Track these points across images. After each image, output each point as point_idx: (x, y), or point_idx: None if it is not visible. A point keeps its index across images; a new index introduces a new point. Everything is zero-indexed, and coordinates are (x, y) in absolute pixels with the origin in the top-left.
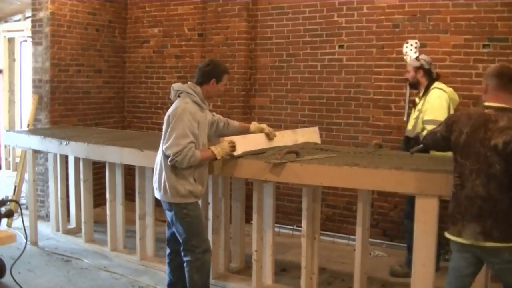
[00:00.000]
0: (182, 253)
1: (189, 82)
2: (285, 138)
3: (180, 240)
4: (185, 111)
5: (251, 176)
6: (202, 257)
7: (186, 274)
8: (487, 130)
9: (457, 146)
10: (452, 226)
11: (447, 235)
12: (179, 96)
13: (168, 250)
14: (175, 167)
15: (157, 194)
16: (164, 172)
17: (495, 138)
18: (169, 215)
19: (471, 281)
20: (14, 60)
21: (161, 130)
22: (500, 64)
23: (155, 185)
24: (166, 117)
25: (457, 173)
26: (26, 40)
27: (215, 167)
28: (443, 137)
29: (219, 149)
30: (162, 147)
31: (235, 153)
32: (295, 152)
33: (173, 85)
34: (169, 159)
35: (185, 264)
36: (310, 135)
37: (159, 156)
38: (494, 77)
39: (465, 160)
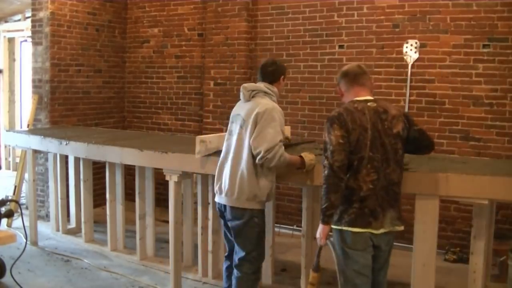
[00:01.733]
0: (238, 263)
1: (261, 83)
2: None
3: (240, 250)
4: (275, 109)
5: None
6: (258, 271)
7: (237, 285)
8: (383, 121)
9: (361, 143)
10: (374, 220)
11: (367, 230)
12: (253, 97)
13: (227, 263)
14: (257, 170)
15: (226, 200)
16: (243, 174)
17: (395, 126)
18: (235, 224)
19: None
20: (14, 60)
21: (161, 130)
22: (345, 66)
23: (224, 189)
24: (253, 115)
25: (371, 168)
26: (26, 40)
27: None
28: (346, 145)
29: (308, 160)
30: (246, 145)
31: None
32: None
33: (244, 85)
34: (259, 156)
35: (238, 275)
36: None
37: (236, 157)
38: (346, 78)
39: (376, 154)
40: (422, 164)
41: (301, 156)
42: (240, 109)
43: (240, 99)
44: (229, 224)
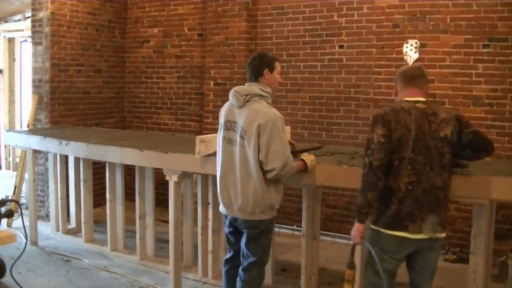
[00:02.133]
0: (246, 266)
1: (251, 84)
2: None
3: (251, 256)
4: (277, 117)
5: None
6: (264, 274)
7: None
8: (430, 123)
9: (403, 143)
10: (411, 224)
11: (402, 234)
12: (247, 101)
13: (227, 267)
14: (269, 183)
15: (240, 214)
16: (256, 189)
17: (442, 129)
18: (251, 232)
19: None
20: (14, 60)
21: (161, 130)
22: (405, 66)
23: (236, 203)
24: (255, 126)
25: (411, 170)
26: (26, 40)
27: None
28: (386, 145)
29: (309, 162)
30: (252, 159)
31: None
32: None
33: (236, 89)
34: (273, 174)
35: (245, 278)
36: None
37: (244, 171)
38: (404, 77)
39: (418, 156)
40: None
41: (302, 160)
42: (235, 116)
43: (230, 103)
44: (244, 231)
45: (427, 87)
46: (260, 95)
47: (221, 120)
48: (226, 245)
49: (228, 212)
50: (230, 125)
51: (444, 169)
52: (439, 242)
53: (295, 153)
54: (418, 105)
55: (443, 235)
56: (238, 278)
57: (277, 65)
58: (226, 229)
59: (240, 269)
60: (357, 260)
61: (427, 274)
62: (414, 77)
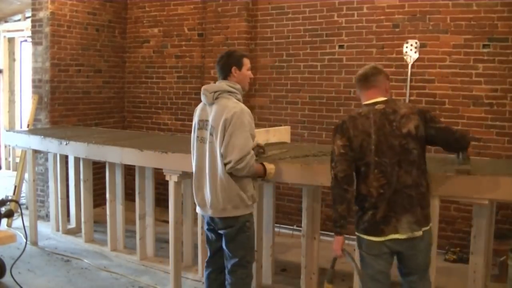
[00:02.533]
0: (231, 269)
1: (220, 81)
2: (258, 136)
3: (233, 257)
4: (243, 112)
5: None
6: (251, 273)
7: None
8: (391, 122)
9: (365, 149)
10: (386, 227)
11: (378, 239)
12: (216, 98)
13: (209, 270)
14: (234, 176)
15: (213, 213)
16: (223, 183)
17: (404, 125)
18: (228, 231)
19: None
20: (14, 60)
21: (161, 130)
22: (360, 69)
23: (208, 202)
24: (221, 121)
25: (379, 173)
26: (26, 40)
27: None
28: (349, 154)
29: (269, 169)
30: (218, 154)
31: None
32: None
33: (205, 87)
34: (229, 166)
35: (232, 281)
36: (281, 134)
37: (212, 167)
38: (358, 81)
39: (383, 158)
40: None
41: (263, 164)
42: (206, 114)
43: (203, 103)
44: (221, 232)
45: (385, 83)
46: (229, 92)
47: (195, 120)
48: (206, 246)
49: (203, 212)
50: (202, 124)
51: (413, 166)
52: (423, 240)
53: (263, 156)
54: (376, 106)
55: (420, 233)
56: (226, 282)
57: (246, 61)
58: (207, 232)
59: (226, 272)
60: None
61: (417, 275)
62: (367, 77)
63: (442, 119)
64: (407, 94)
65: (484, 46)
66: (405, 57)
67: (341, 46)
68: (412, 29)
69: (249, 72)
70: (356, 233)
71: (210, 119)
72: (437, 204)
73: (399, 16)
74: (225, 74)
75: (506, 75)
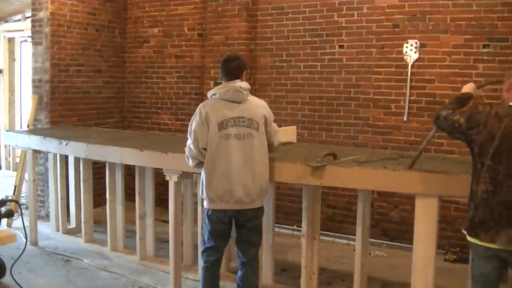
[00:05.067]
0: (254, 257)
1: (239, 81)
2: None
3: (256, 245)
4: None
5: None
6: None
7: (252, 280)
8: None
9: (485, 149)
10: (483, 233)
11: (475, 241)
12: (248, 96)
13: (216, 267)
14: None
15: (251, 204)
16: (264, 175)
17: None
18: (256, 222)
19: (497, 286)
20: (14, 60)
21: (161, 130)
22: None
23: (247, 195)
24: (262, 116)
25: (488, 179)
26: (26, 40)
27: None
28: (461, 131)
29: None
30: (261, 146)
31: None
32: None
33: (240, 85)
34: (272, 148)
35: (254, 267)
36: (288, 135)
37: (251, 160)
38: None
39: (498, 166)
40: (422, 164)
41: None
42: (235, 111)
43: (224, 100)
44: (247, 224)
45: None
46: (249, 89)
47: (217, 119)
48: (213, 244)
49: (237, 207)
50: (234, 122)
51: None
52: None
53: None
54: None
55: None
56: (243, 272)
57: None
58: (221, 227)
59: (244, 262)
60: None
61: None
62: None
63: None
64: (407, 94)
65: (484, 46)
66: (405, 57)
67: (341, 46)
68: (412, 29)
69: None
70: (462, 229)
71: (249, 115)
72: (437, 204)
73: (399, 16)
74: (238, 75)
75: (506, 75)
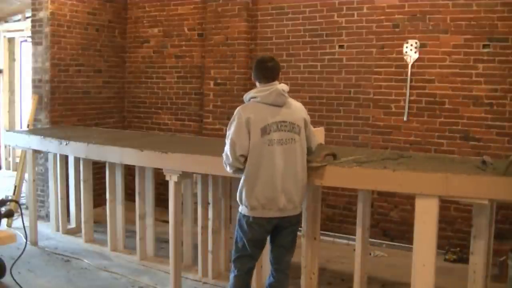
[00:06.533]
0: (287, 265)
1: (278, 83)
2: None
3: (292, 251)
4: None
5: None
6: None
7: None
8: None
9: None
10: None
11: None
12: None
13: (250, 274)
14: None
15: (294, 211)
16: (304, 179)
17: None
18: (295, 228)
19: None
20: (14, 60)
21: (161, 130)
22: None
23: (292, 201)
24: (303, 120)
25: None
26: (26, 40)
27: None
28: None
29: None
30: (302, 151)
31: None
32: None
33: (283, 87)
34: (310, 153)
35: (285, 277)
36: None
37: (294, 166)
38: None
39: None
40: (422, 164)
41: None
42: (278, 115)
43: (263, 104)
44: (289, 229)
45: None
46: (288, 91)
47: (260, 124)
48: (250, 252)
49: (280, 215)
50: (277, 126)
51: None
52: None
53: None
54: None
55: None
56: (275, 279)
57: None
58: (262, 235)
59: (277, 269)
60: None
61: None
62: None
63: (442, 119)
64: (407, 94)
65: (484, 46)
66: (405, 57)
67: (341, 46)
68: (412, 29)
69: None
70: None
71: (290, 119)
72: (437, 204)
73: (399, 16)
74: (276, 77)
75: (506, 75)
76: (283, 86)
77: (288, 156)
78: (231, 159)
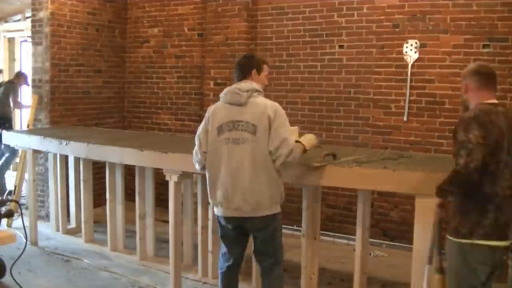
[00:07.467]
0: (269, 268)
1: (245, 81)
2: None
3: (271, 256)
4: (281, 108)
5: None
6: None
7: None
8: None
9: (500, 145)
10: (509, 232)
11: (499, 244)
12: (249, 97)
13: (230, 275)
14: (279, 172)
15: (253, 212)
16: (271, 180)
17: None
18: (266, 231)
19: None
20: (14, 60)
21: (161, 130)
22: (477, 63)
23: (248, 202)
24: (264, 119)
25: (509, 174)
26: (26, 40)
27: None
28: (486, 145)
29: (306, 141)
30: (263, 152)
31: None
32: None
33: (237, 86)
34: (279, 160)
35: (276, 277)
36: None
37: (253, 166)
38: (485, 78)
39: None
40: (422, 164)
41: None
42: (235, 114)
43: (226, 103)
44: (256, 234)
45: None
46: (258, 91)
47: (216, 123)
48: (226, 249)
49: (238, 215)
50: (232, 125)
51: None
52: None
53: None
54: (498, 108)
55: None
56: (263, 283)
57: (266, 68)
58: (228, 233)
59: (261, 272)
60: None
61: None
62: (489, 77)
63: (442, 119)
64: (407, 94)
65: (484, 46)
66: (405, 57)
67: (341, 46)
68: (412, 29)
69: (266, 79)
70: (468, 241)
71: (247, 118)
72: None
73: (399, 16)
74: (245, 75)
75: (506, 75)
76: (240, 85)
77: (244, 155)
78: (199, 155)
